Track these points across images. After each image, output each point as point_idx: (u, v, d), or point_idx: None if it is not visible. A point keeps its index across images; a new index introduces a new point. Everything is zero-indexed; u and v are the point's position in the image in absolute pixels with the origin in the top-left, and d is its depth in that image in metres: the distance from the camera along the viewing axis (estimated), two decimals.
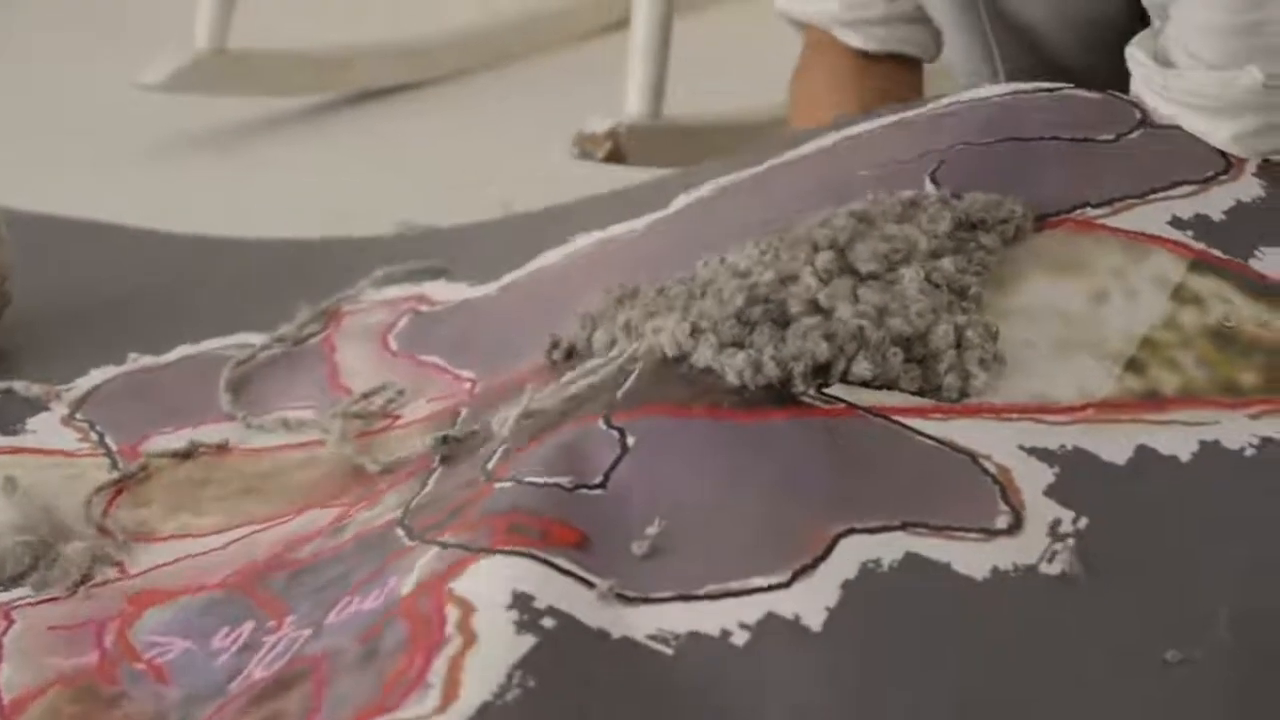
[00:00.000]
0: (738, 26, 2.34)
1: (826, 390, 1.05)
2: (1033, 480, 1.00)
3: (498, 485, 1.01)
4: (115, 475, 1.21)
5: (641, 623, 0.91)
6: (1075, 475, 1.01)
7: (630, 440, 1.02)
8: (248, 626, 1.02)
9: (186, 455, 1.24)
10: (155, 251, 1.61)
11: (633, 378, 1.07)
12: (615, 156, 1.90)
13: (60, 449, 1.27)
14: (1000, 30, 1.51)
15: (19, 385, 1.35)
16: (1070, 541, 0.97)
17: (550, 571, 0.92)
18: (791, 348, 1.04)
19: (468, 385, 1.25)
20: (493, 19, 2.44)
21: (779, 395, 1.04)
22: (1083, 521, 0.98)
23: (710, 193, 1.39)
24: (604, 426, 1.03)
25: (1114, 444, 1.04)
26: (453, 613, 0.90)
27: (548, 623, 0.89)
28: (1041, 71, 1.51)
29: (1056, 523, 0.98)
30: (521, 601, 0.90)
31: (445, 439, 1.12)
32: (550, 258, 1.41)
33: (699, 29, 2.20)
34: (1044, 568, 0.95)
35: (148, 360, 1.39)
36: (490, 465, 1.06)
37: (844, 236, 1.12)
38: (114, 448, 1.26)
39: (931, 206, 1.16)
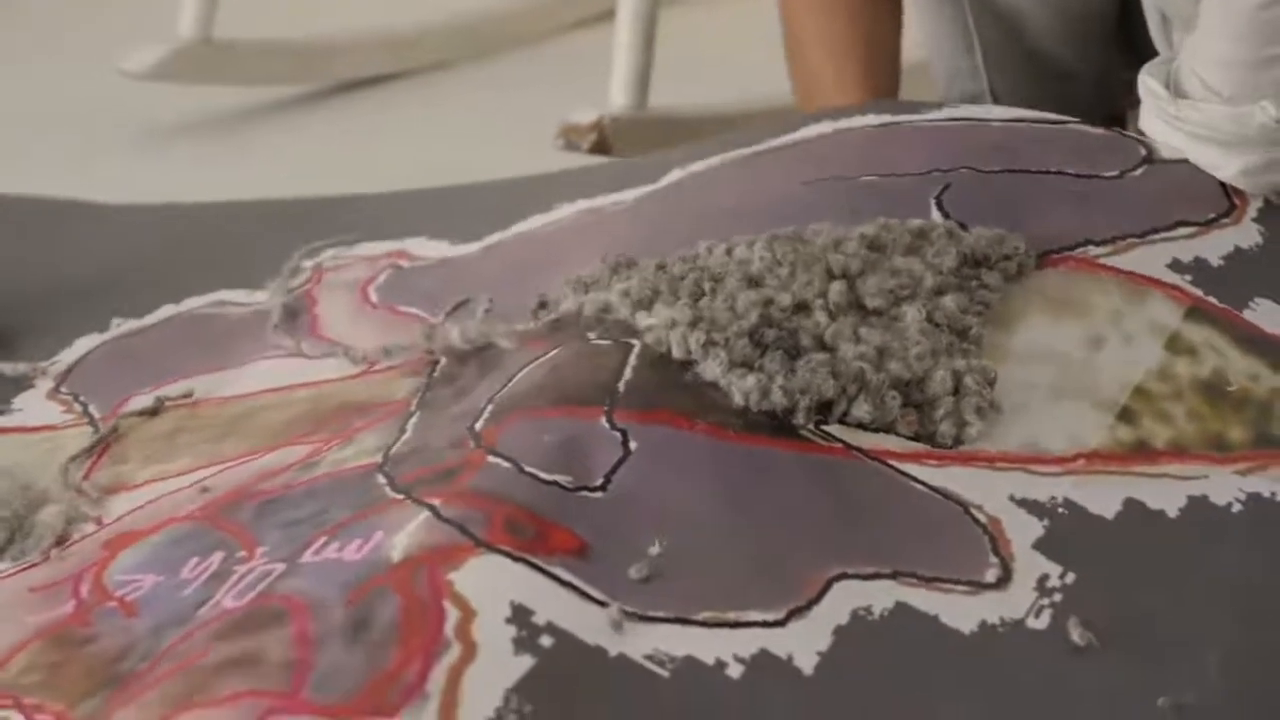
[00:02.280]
0: (723, 18, 2.35)
1: (825, 428, 1.06)
2: (1022, 532, 1.02)
3: (491, 458, 1.02)
4: (90, 443, 1.22)
5: (638, 641, 0.92)
6: (1064, 529, 1.03)
7: (633, 444, 1.03)
8: (217, 556, 1.03)
9: (154, 412, 1.25)
10: (134, 222, 1.62)
11: (631, 367, 1.08)
12: (601, 147, 1.90)
13: (45, 424, 1.28)
14: (982, 16, 1.51)
15: (4, 366, 1.36)
16: (1057, 597, 0.98)
17: (550, 583, 0.93)
18: (801, 380, 1.06)
19: None
20: (477, 10, 2.44)
21: (779, 426, 1.05)
22: (1070, 576, 0.99)
23: (704, 170, 1.39)
24: (606, 425, 1.04)
25: (1103, 496, 1.05)
26: (453, 612, 0.91)
27: (545, 641, 0.90)
28: (1023, 63, 1.51)
29: (1044, 578, 0.99)
30: (520, 616, 0.91)
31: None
32: (535, 222, 1.41)
33: (684, 21, 2.21)
34: (1031, 622, 0.97)
35: (131, 324, 1.40)
36: (479, 427, 1.06)
37: (856, 265, 1.13)
38: (97, 416, 1.27)
39: (939, 240, 1.17)
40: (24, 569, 1.10)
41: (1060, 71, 1.52)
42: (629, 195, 1.39)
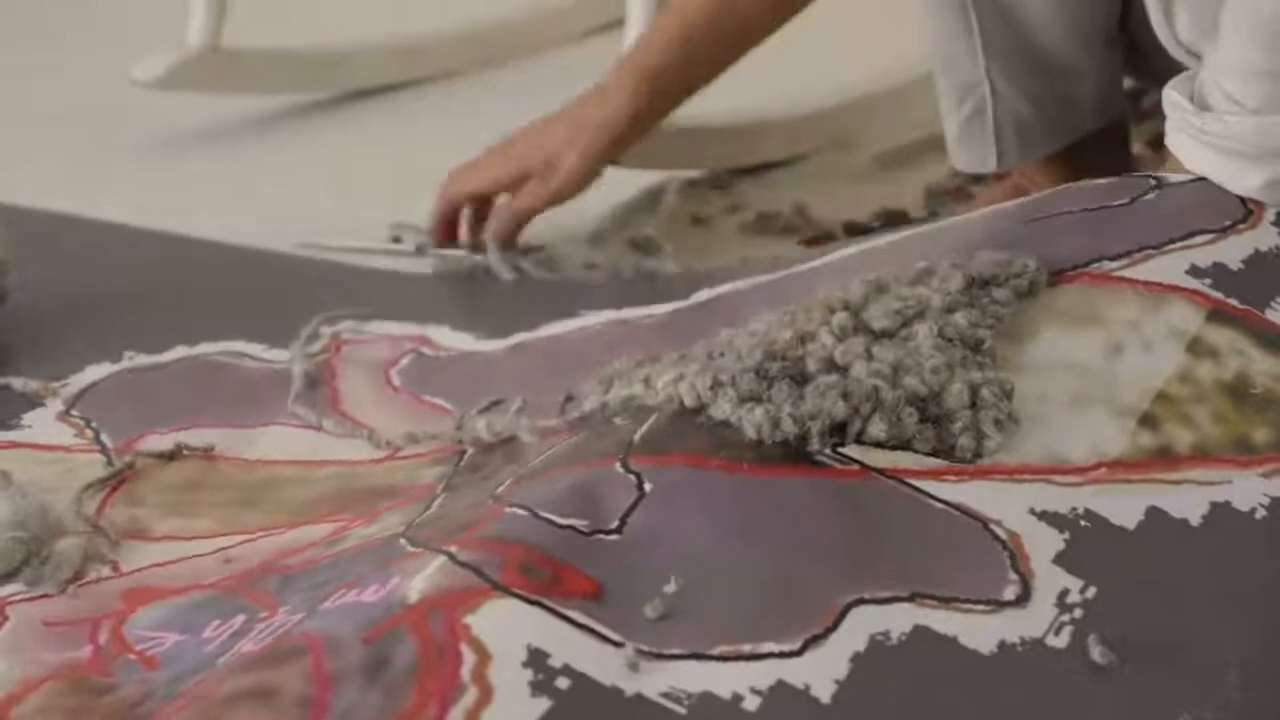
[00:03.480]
0: None
1: (841, 450, 1.05)
2: (1043, 547, 1.01)
3: (509, 509, 1.02)
4: (105, 473, 1.23)
5: (654, 680, 0.91)
6: (1085, 542, 1.02)
7: (647, 486, 1.02)
8: (239, 619, 1.04)
9: (171, 456, 1.26)
10: (154, 251, 1.63)
11: (648, 425, 1.08)
12: None
13: (57, 445, 1.28)
14: (985, 12, 1.51)
15: (16, 381, 1.36)
16: (1078, 613, 0.97)
17: (565, 626, 0.93)
18: (810, 405, 1.05)
19: None
20: (487, 19, 2.44)
21: (795, 453, 1.05)
22: (1091, 591, 0.99)
23: (734, 291, 1.41)
24: (621, 470, 1.04)
25: (1125, 506, 1.04)
26: (469, 656, 0.91)
27: (562, 683, 0.90)
28: (1021, 54, 1.51)
29: (1064, 593, 0.98)
30: (537, 659, 0.91)
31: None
32: (562, 326, 1.43)
33: None
34: (1051, 640, 0.96)
35: (144, 360, 1.40)
36: (500, 491, 1.07)
37: (858, 298, 1.14)
38: (109, 445, 1.27)
39: (944, 269, 1.17)
40: (38, 598, 1.10)
41: (1059, 67, 1.51)
42: (658, 310, 1.41)
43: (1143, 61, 1.52)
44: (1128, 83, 1.63)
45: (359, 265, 1.64)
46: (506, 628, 0.93)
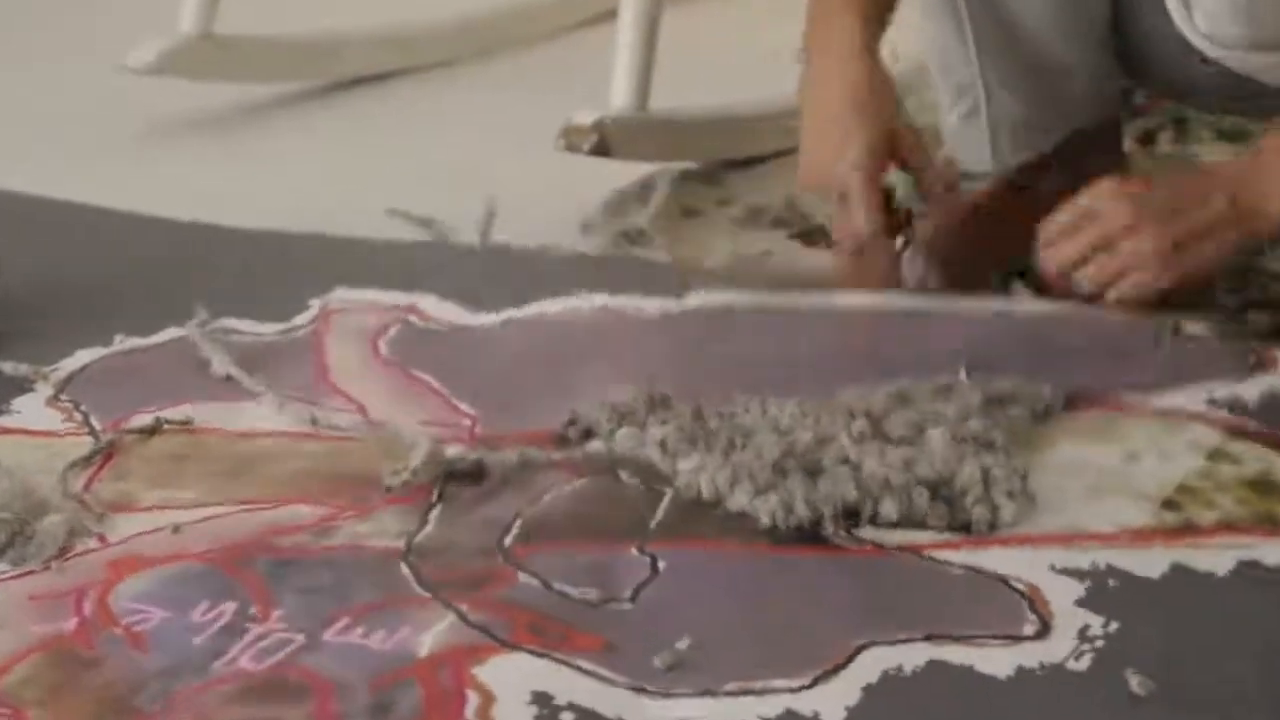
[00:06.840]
0: (724, 20, 2.35)
1: (855, 532, 1.08)
2: (1063, 593, 1.02)
3: (522, 578, 1.05)
4: (88, 451, 1.23)
5: (663, 715, 0.93)
6: (1108, 588, 1.03)
7: (661, 564, 1.06)
8: (230, 606, 1.04)
9: (152, 432, 1.26)
10: (143, 235, 1.62)
11: (664, 509, 1.11)
12: (601, 149, 1.90)
13: (44, 429, 1.28)
14: (978, 14, 1.51)
15: (6, 366, 1.36)
16: (1100, 643, 0.97)
17: (571, 673, 0.96)
18: (822, 491, 1.09)
19: (467, 423, 1.26)
20: (481, 9, 2.44)
21: (810, 536, 1.08)
22: (1114, 625, 0.99)
23: (728, 305, 1.43)
24: (636, 553, 1.07)
25: (1149, 562, 1.05)
26: (474, 698, 0.93)
27: (567, 717, 0.92)
28: (1016, 54, 1.52)
29: (1085, 628, 0.99)
30: (542, 700, 0.93)
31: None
32: (553, 307, 1.43)
33: (685, 22, 2.20)
34: (1071, 664, 0.96)
35: (134, 342, 1.40)
36: (508, 542, 1.09)
37: (879, 408, 1.17)
38: (98, 427, 1.27)
39: (962, 388, 1.21)
40: (24, 575, 1.10)
41: (1053, 66, 1.52)
42: (650, 306, 1.42)
43: (1134, 61, 1.53)
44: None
45: (343, 236, 1.63)
46: (512, 674, 0.95)
